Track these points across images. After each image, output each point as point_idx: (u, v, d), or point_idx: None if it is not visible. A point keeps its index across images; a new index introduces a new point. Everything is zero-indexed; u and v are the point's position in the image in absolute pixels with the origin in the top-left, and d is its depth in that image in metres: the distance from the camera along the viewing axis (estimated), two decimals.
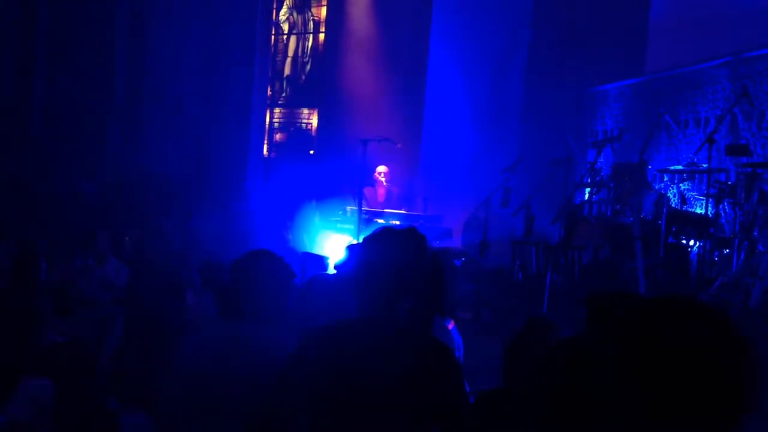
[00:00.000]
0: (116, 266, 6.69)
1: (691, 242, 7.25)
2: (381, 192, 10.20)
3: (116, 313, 3.77)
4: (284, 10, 13.64)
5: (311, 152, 12.87)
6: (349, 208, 9.60)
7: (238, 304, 2.74)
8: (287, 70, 13.68)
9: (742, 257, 6.44)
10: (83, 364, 2.78)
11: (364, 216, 8.87)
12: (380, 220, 8.99)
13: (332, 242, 9.14)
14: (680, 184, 8.16)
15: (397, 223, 8.71)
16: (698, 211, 7.61)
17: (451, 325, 3.74)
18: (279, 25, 13.67)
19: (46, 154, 10.02)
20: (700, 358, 1.37)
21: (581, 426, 1.95)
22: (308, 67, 13.47)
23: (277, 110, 13.75)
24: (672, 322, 1.42)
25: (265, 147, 13.43)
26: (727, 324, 1.41)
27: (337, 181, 10.81)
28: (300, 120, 13.52)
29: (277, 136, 13.73)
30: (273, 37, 13.53)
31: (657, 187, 8.53)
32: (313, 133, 13.25)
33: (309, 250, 8.58)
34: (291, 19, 13.64)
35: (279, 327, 2.78)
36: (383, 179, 10.21)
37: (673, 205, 7.63)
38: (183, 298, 3.90)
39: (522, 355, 2.78)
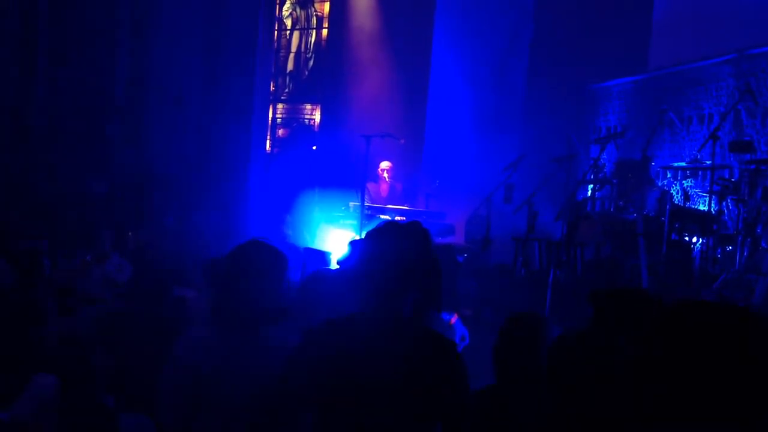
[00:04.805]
0: (118, 264, 6.68)
1: (694, 239, 7.22)
2: (384, 188, 10.18)
3: (118, 310, 3.77)
4: (287, 5, 13.62)
5: (314, 148, 12.86)
6: (351, 203, 9.59)
7: (231, 303, 2.67)
8: (290, 66, 13.66)
9: (745, 254, 6.43)
10: (84, 362, 2.77)
11: (366, 212, 8.86)
12: (383, 216, 8.98)
13: (334, 238, 9.13)
14: (683, 181, 8.13)
15: (403, 219, 8.70)
16: (701, 207, 7.59)
17: (454, 319, 3.74)
18: (282, 20, 13.65)
19: (47, 152, 10.00)
20: (725, 355, 1.34)
21: (597, 422, 1.93)
22: (311, 62, 13.45)
23: (279, 106, 13.73)
24: (694, 321, 1.39)
25: (268, 143, 13.41)
26: (752, 321, 1.38)
27: (339, 176, 10.79)
28: (303, 116, 13.50)
29: (280, 132, 13.71)
30: (276, 32, 13.50)
31: (660, 183, 8.52)
32: (316, 129, 13.23)
33: (311, 246, 8.56)
34: (294, 15, 13.62)
35: (277, 325, 2.74)
36: (386, 175, 10.19)
37: (676, 202, 7.60)
38: (182, 295, 3.90)
39: (513, 351, 2.75)
